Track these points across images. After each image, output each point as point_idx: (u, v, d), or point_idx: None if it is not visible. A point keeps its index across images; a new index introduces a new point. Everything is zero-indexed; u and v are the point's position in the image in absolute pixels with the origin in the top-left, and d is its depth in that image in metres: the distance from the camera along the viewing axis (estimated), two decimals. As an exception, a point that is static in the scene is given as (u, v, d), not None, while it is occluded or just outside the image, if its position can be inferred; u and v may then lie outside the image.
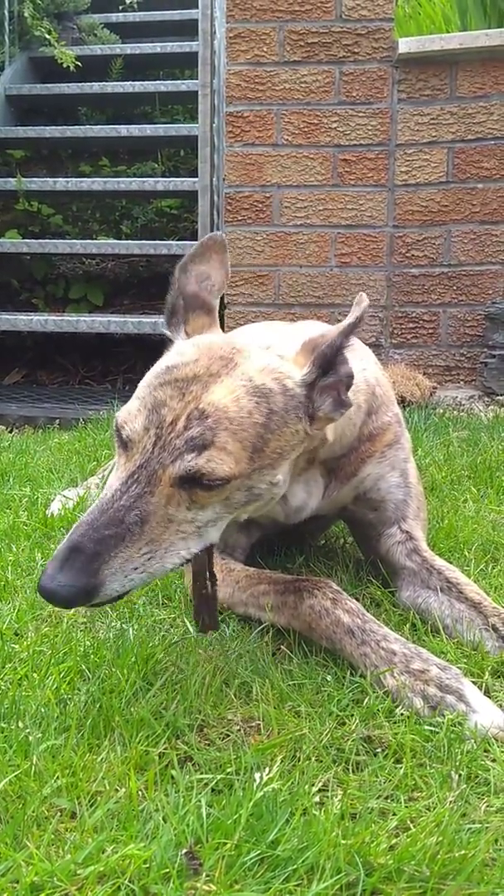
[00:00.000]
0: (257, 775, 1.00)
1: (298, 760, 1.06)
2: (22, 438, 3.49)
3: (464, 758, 1.04)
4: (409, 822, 0.94)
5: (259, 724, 1.15)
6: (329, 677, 1.25)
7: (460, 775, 1.02)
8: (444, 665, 1.21)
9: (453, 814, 0.93)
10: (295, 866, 0.86)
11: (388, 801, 0.99)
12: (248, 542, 1.63)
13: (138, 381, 1.29)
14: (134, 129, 5.14)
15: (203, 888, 0.84)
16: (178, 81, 5.78)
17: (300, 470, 1.38)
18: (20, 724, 1.12)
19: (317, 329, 1.61)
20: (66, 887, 0.84)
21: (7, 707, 1.16)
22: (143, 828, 0.92)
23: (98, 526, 1.10)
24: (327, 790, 1.00)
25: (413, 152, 3.86)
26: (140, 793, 0.99)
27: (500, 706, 1.17)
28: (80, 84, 5.46)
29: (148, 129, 5.13)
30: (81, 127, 5.54)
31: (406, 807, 0.97)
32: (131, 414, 1.20)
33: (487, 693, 1.21)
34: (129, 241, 5.12)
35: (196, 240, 4.35)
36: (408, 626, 1.44)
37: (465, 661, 1.31)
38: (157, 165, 5.82)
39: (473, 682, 1.19)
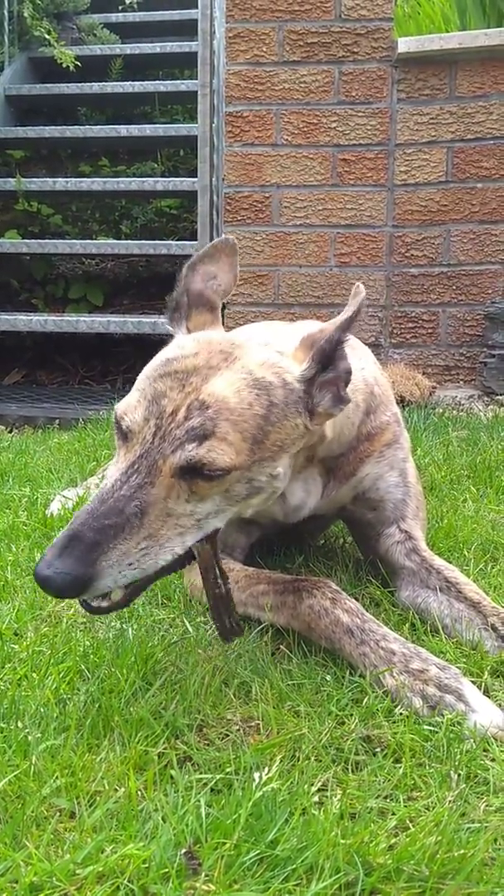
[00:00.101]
0: (256, 775, 1.00)
1: (298, 760, 1.06)
2: (21, 438, 3.49)
3: (463, 757, 1.05)
4: (408, 821, 0.94)
5: (258, 724, 1.15)
6: (328, 677, 1.25)
7: (459, 775, 1.02)
8: (443, 665, 1.21)
9: (452, 813, 0.93)
10: (294, 866, 0.86)
11: (388, 800, 0.99)
12: (247, 541, 1.63)
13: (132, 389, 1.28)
14: (133, 129, 5.14)
15: (202, 888, 0.84)
16: (178, 81, 5.78)
17: (299, 468, 1.38)
18: (19, 724, 1.12)
19: (315, 327, 1.61)
20: (65, 887, 0.84)
21: (6, 707, 1.16)
22: (143, 828, 0.92)
23: (98, 515, 1.09)
24: (326, 790, 1.00)
25: (412, 152, 3.86)
26: (139, 793, 0.99)
27: (500, 706, 1.17)
28: (79, 84, 5.46)
29: (147, 129, 5.13)
30: (81, 127, 5.54)
31: (405, 806, 0.97)
32: (131, 405, 1.20)
33: (487, 693, 1.21)
34: (129, 241, 5.12)
35: (196, 240, 4.36)
36: (407, 625, 1.44)
37: (464, 660, 1.31)
38: (156, 165, 5.82)
39: (473, 682, 1.19)
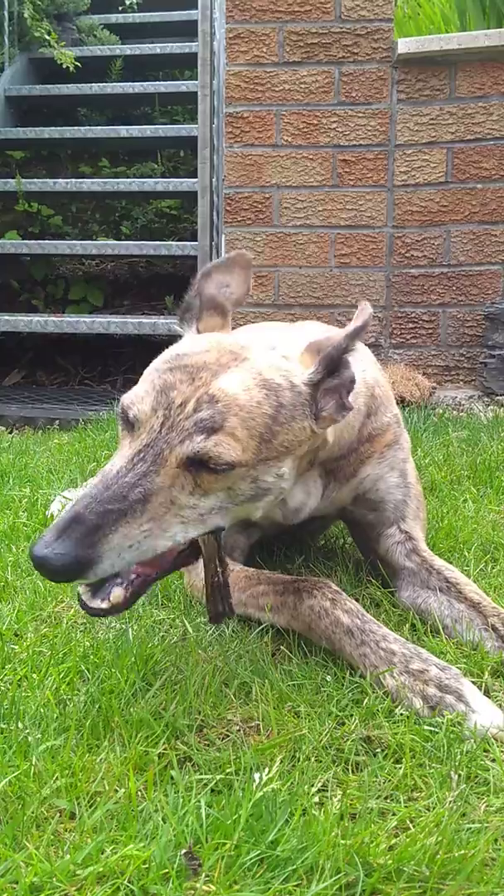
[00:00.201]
0: (257, 775, 1.00)
1: (298, 761, 1.06)
2: (22, 439, 3.49)
3: (463, 758, 1.05)
4: (408, 822, 0.94)
5: (258, 725, 1.15)
6: (328, 677, 1.25)
7: (460, 775, 1.02)
8: (443, 665, 1.21)
9: (453, 814, 0.93)
10: (294, 866, 0.86)
11: (388, 801, 0.99)
12: (247, 542, 1.63)
13: (137, 382, 1.28)
14: (133, 130, 5.14)
15: (202, 888, 0.84)
16: (178, 82, 5.78)
17: (301, 471, 1.38)
18: (20, 725, 1.12)
19: (317, 329, 1.62)
20: (65, 888, 0.84)
21: (6, 708, 1.16)
22: (143, 828, 0.92)
23: (102, 500, 1.09)
24: (327, 790, 1.00)
25: (412, 153, 3.86)
26: (139, 793, 0.99)
27: (500, 706, 1.17)
28: (79, 85, 5.46)
29: (147, 130, 5.13)
30: (81, 128, 5.54)
31: (405, 807, 0.97)
32: (138, 395, 1.20)
33: (487, 693, 1.21)
34: (129, 242, 5.12)
35: (196, 240, 4.36)
36: (407, 626, 1.44)
37: (464, 661, 1.31)
38: (156, 166, 5.82)
39: (473, 683, 1.19)
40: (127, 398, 1.21)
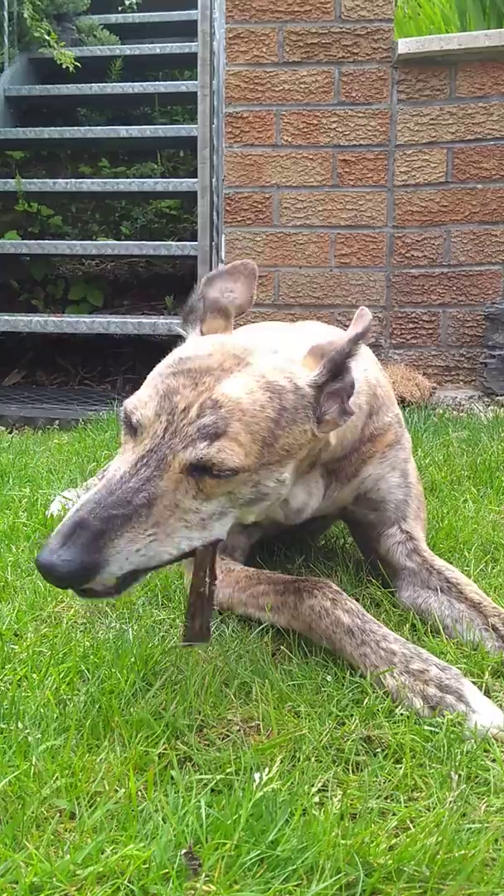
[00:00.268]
0: (257, 775, 1.00)
1: (298, 761, 1.06)
2: (22, 439, 3.49)
3: (463, 758, 1.04)
4: (408, 822, 0.94)
5: (259, 725, 1.15)
6: (329, 677, 1.25)
7: (460, 775, 1.01)
8: (443, 665, 1.21)
9: (453, 814, 0.93)
10: (294, 866, 0.85)
11: (388, 801, 0.99)
12: (247, 542, 1.63)
13: (138, 382, 1.29)
14: (133, 130, 5.14)
15: (202, 888, 0.84)
16: (178, 82, 5.78)
17: (302, 472, 1.38)
18: (19, 725, 1.11)
19: (317, 330, 1.62)
20: (65, 888, 0.84)
21: (6, 708, 1.16)
22: (143, 828, 0.91)
23: (106, 505, 1.09)
24: (327, 790, 1.00)
25: (412, 153, 3.86)
26: (139, 793, 0.99)
27: (500, 706, 1.17)
28: (79, 85, 5.46)
29: (147, 130, 5.13)
30: (81, 128, 5.54)
31: (406, 807, 0.97)
32: (142, 400, 1.20)
33: (487, 693, 1.21)
34: (129, 242, 5.12)
35: (195, 240, 4.36)
36: (408, 626, 1.44)
37: (465, 661, 1.31)
38: (156, 166, 5.82)
39: (473, 683, 1.19)
40: (130, 403, 1.21)
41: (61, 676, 1.26)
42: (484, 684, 1.24)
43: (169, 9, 5.98)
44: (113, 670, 1.25)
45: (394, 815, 0.95)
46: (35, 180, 5.11)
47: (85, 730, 1.11)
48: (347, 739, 1.09)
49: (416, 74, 3.82)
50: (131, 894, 0.83)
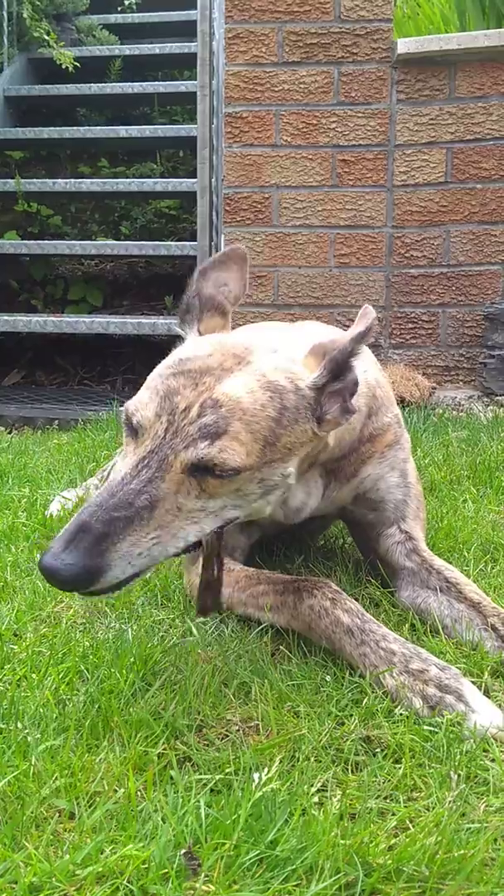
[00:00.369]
0: (256, 775, 1.00)
1: (297, 760, 1.06)
2: (21, 439, 3.48)
3: (463, 758, 1.04)
4: (408, 822, 0.94)
5: (258, 725, 1.15)
6: (328, 677, 1.25)
7: (459, 775, 1.01)
8: (443, 665, 1.21)
9: (452, 814, 0.93)
10: (294, 866, 0.85)
11: (387, 801, 0.99)
12: (247, 542, 1.63)
13: (137, 383, 1.29)
14: (133, 130, 5.14)
15: (202, 888, 0.84)
16: (177, 82, 5.78)
17: (302, 471, 1.38)
18: (19, 725, 1.11)
19: (317, 330, 1.62)
20: (64, 888, 0.84)
21: (6, 708, 1.16)
22: (142, 828, 0.91)
23: (108, 507, 1.09)
24: (326, 790, 1.00)
25: (412, 153, 3.86)
26: (139, 793, 0.99)
27: (500, 706, 1.17)
28: (78, 85, 5.46)
29: (147, 130, 5.13)
30: (80, 128, 5.54)
31: (405, 807, 0.97)
32: (142, 401, 1.20)
33: (487, 693, 1.21)
34: (129, 242, 5.12)
35: (195, 240, 4.36)
36: (407, 626, 1.44)
37: (464, 661, 1.31)
38: (155, 166, 5.82)
39: (473, 683, 1.19)
40: (131, 404, 1.21)
41: (61, 676, 1.26)
42: (483, 684, 1.24)
43: (168, 9, 5.98)
44: (112, 670, 1.25)
45: (393, 814, 0.95)
46: (34, 180, 5.11)
47: (84, 730, 1.11)
48: (347, 739, 1.09)
49: (415, 74, 3.82)
50: (131, 894, 0.83)
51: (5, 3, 5.36)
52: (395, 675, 1.20)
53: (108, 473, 2.12)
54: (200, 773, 1.03)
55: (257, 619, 1.42)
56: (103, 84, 5.60)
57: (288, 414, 1.23)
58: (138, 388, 1.26)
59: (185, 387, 1.19)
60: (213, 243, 4.28)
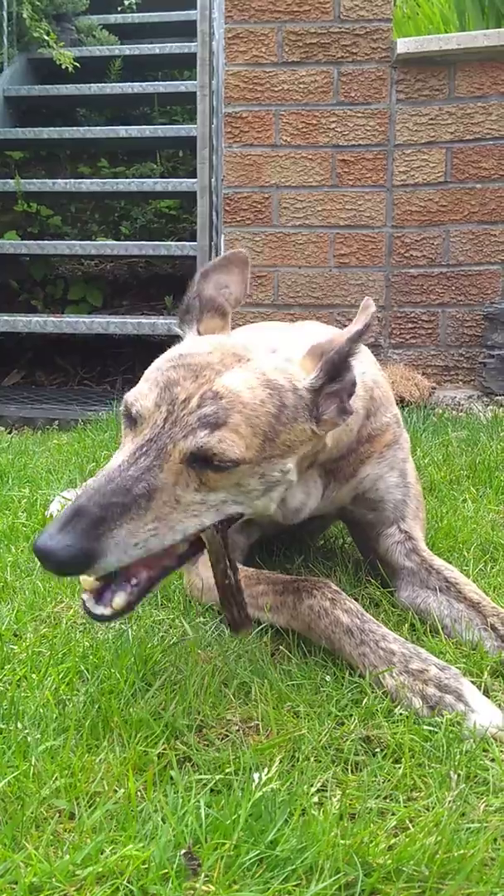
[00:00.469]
0: (256, 776, 1.00)
1: (297, 761, 1.06)
2: (21, 439, 3.49)
3: (463, 757, 1.04)
4: (407, 821, 0.94)
5: (258, 725, 1.15)
6: (328, 677, 1.25)
7: (459, 775, 1.02)
8: (442, 665, 1.21)
9: (452, 813, 0.93)
10: (294, 866, 0.86)
11: (387, 801, 0.99)
12: (246, 542, 1.63)
13: (137, 383, 1.28)
14: (133, 130, 5.14)
15: (202, 888, 0.84)
16: (177, 82, 5.78)
17: (301, 471, 1.38)
18: (19, 725, 1.12)
19: (316, 330, 1.62)
20: (64, 888, 0.84)
21: (6, 708, 1.16)
22: (142, 828, 0.92)
23: (105, 492, 1.08)
24: (326, 790, 1.00)
25: (411, 153, 3.86)
26: (139, 793, 0.99)
27: (500, 706, 1.17)
28: (78, 85, 5.46)
29: (147, 130, 5.13)
30: (80, 128, 5.54)
31: (405, 807, 0.97)
32: (142, 392, 1.20)
33: (486, 693, 1.21)
34: (128, 242, 5.12)
35: (195, 241, 4.36)
36: (407, 626, 1.44)
37: (463, 660, 1.31)
38: (155, 166, 5.82)
39: (472, 682, 1.19)
40: (130, 395, 1.21)
41: (61, 677, 1.26)
42: (483, 684, 1.24)
43: (168, 9, 5.98)
44: (112, 670, 1.25)
45: (393, 814, 0.95)
46: (34, 180, 5.11)
47: (84, 730, 1.11)
48: (346, 739, 1.09)
49: (414, 74, 3.82)
50: (130, 894, 0.84)
51: (5, 3, 5.36)
52: (394, 674, 1.20)
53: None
54: (200, 773, 1.03)
55: (257, 620, 1.42)
56: (103, 84, 5.60)
57: (287, 412, 1.23)
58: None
59: (186, 378, 1.19)
60: (212, 243, 4.28)
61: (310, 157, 3.92)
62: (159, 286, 5.49)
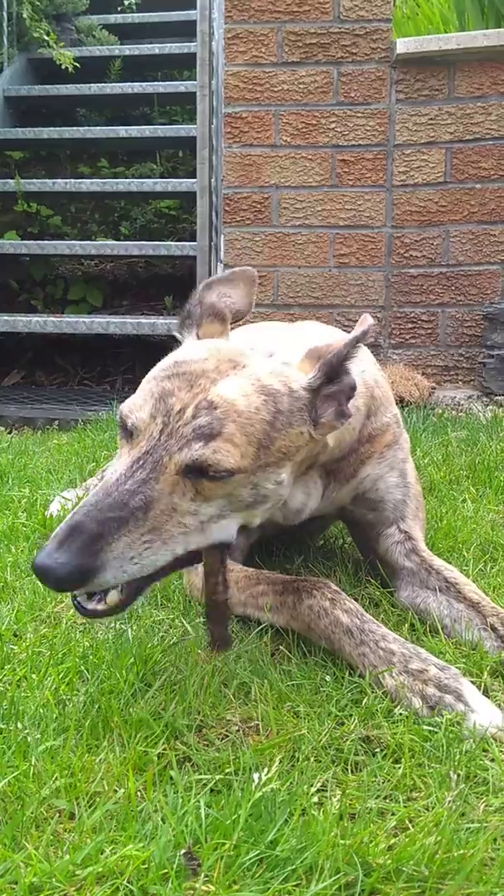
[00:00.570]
0: (256, 776, 1.00)
1: (297, 761, 1.06)
2: (21, 439, 3.49)
3: (462, 757, 1.05)
4: (407, 821, 0.94)
5: (258, 725, 1.15)
6: (328, 677, 1.25)
7: (459, 775, 1.02)
8: (442, 665, 1.21)
9: (452, 813, 0.93)
10: (294, 866, 0.86)
11: (387, 801, 0.99)
12: (246, 542, 1.63)
13: (137, 383, 1.29)
14: (132, 130, 5.14)
15: (202, 888, 0.84)
16: (177, 82, 5.79)
17: (301, 474, 1.38)
18: (19, 725, 1.12)
19: (316, 330, 1.62)
20: (64, 888, 0.84)
21: (6, 708, 1.16)
22: (142, 828, 0.92)
23: (102, 508, 1.09)
24: (326, 790, 1.00)
25: (411, 153, 3.86)
26: (139, 793, 0.99)
27: (499, 706, 1.17)
28: (78, 85, 5.46)
29: (146, 131, 5.13)
30: (80, 128, 5.54)
31: (405, 807, 0.97)
32: (137, 403, 1.20)
33: (486, 693, 1.22)
34: (128, 242, 5.12)
35: (195, 241, 4.36)
36: (406, 626, 1.44)
37: (463, 661, 1.31)
38: (155, 166, 5.82)
39: (472, 682, 1.19)
40: (125, 406, 1.21)
41: (61, 677, 1.26)
42: (483, 684, 1.24)
43: (168, 9, 5.98)
44: (112, 671, 1.25)
45: (393, 814, 0.95)
46: (34, 180, 5.11)
47: (84, 730, 1.11)
48: (346, 739, 1.09)
49: (414, 74, 3.82)
50: (131, 894, 0.84)
51: (5, 4, 5.36)
52: (394, 674, 1.20)
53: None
54: (200, 774, 1.03)
55: (257, 620, 1.42)
56: (103, 84, 5.60)
57: (282, 417, 1.23)
58: (137, 390, 1.26)
59: (180, 389, 1.19)
60: (212, 243, 4.28)
61: (309, 157, 3.92)
62: (159, 286, 5.49)
